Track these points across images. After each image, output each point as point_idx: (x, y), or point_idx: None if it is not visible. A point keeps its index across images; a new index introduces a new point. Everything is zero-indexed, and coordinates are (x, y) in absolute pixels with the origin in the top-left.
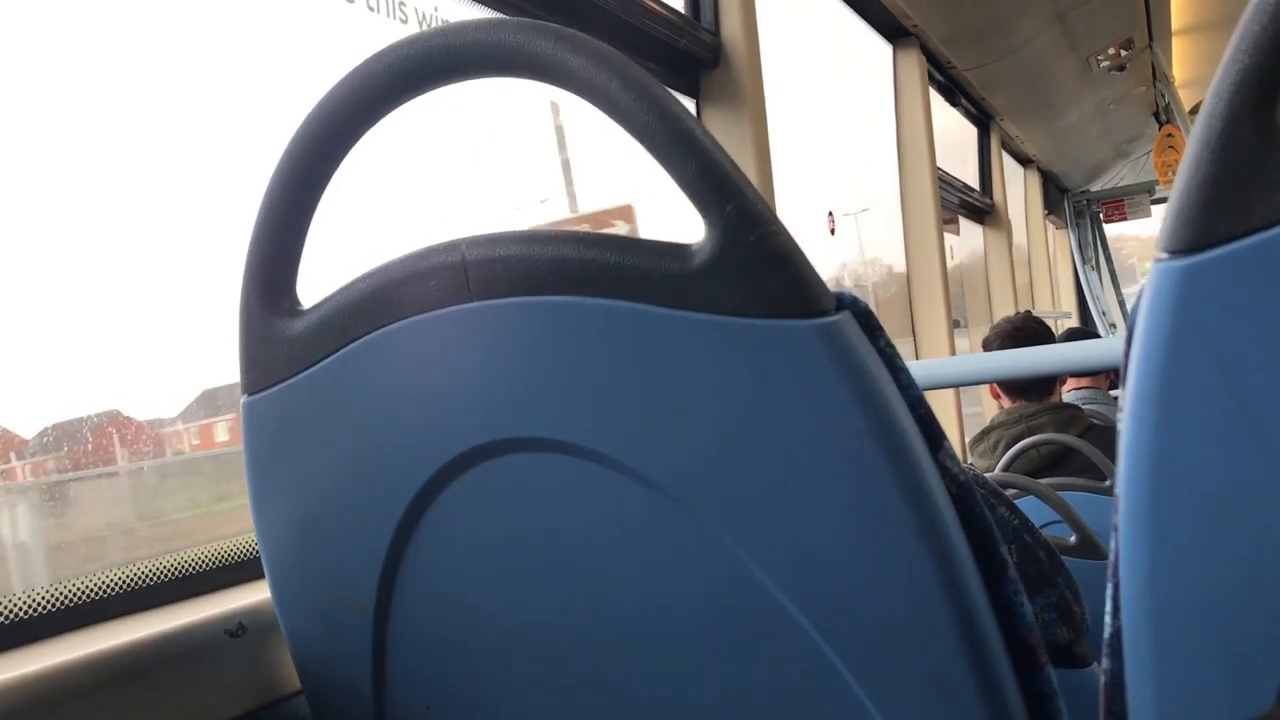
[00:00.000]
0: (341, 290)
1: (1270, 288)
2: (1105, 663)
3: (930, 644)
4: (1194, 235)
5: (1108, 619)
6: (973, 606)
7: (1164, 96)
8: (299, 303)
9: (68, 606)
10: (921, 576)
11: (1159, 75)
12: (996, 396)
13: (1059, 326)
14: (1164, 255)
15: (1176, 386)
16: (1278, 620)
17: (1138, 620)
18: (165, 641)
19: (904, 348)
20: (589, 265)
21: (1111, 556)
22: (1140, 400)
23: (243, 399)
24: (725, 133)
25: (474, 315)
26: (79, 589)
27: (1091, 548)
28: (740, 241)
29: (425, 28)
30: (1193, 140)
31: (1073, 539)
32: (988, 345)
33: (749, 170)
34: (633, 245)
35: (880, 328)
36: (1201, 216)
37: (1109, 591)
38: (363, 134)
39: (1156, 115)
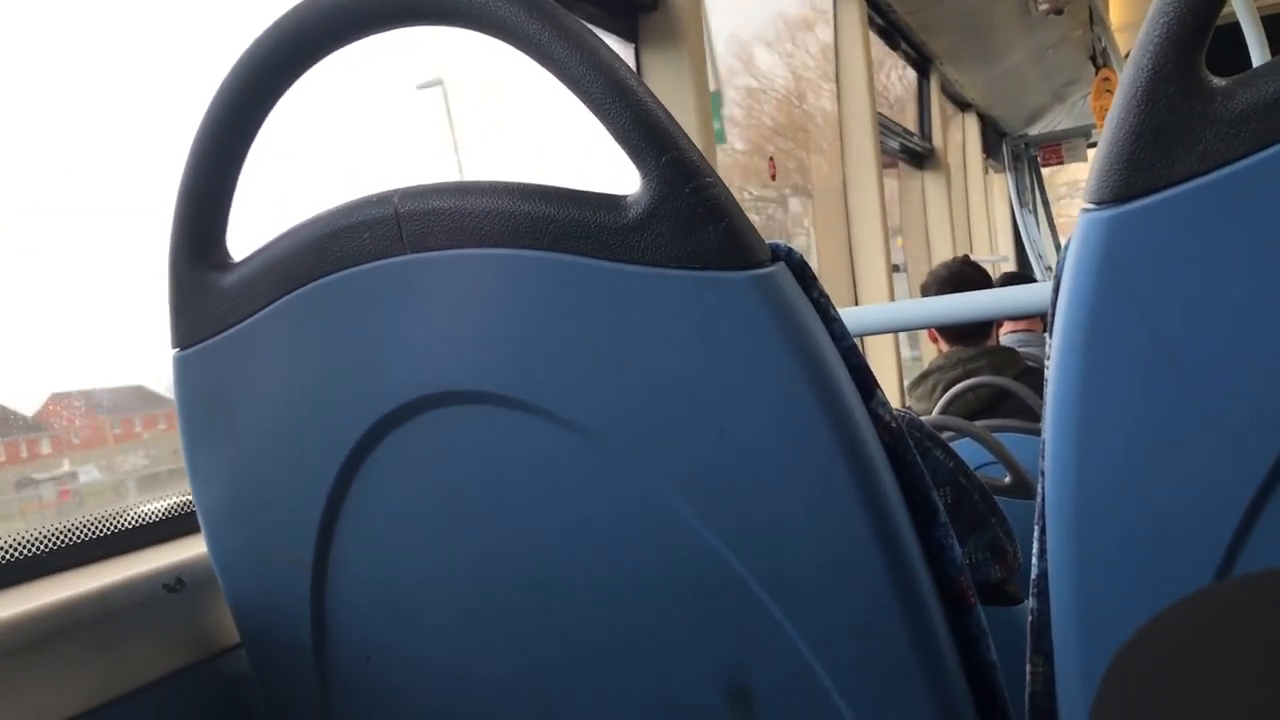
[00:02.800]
0: (273, 243)
1: (1191, 237)
2: (1032, 602)
3: (862, 587)
4: (1119, 186)
5: (1034, 560)
6: (904, 550)
7: (1101, 40)
8: (229, 255)
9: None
10: (854, 521)
11: (1096, 19)
12: (935, 340)
13: (996, 270)
14: (1090, 206)
15: (1100, 334)
16: (1196, 560)
17: (1062, 562)
18: (101, 597)
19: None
20: (523, 217)
21: (1038, 500)
22: (1066, 348)
23: (173, 353)
24: (664, 76)
25: (407, 268)
26: (8, 544)
27: (1025, 487)
28: (676, 193)
29: None
30: (1120, 92)
31: (1007, 479)
32: (925, 291)
33: (689, 113)
34: (568, 197)
35: (815, 279)
36: (1127, 168)
37: (1035, 534)
38: (293, 81)
39: (1093, 59)
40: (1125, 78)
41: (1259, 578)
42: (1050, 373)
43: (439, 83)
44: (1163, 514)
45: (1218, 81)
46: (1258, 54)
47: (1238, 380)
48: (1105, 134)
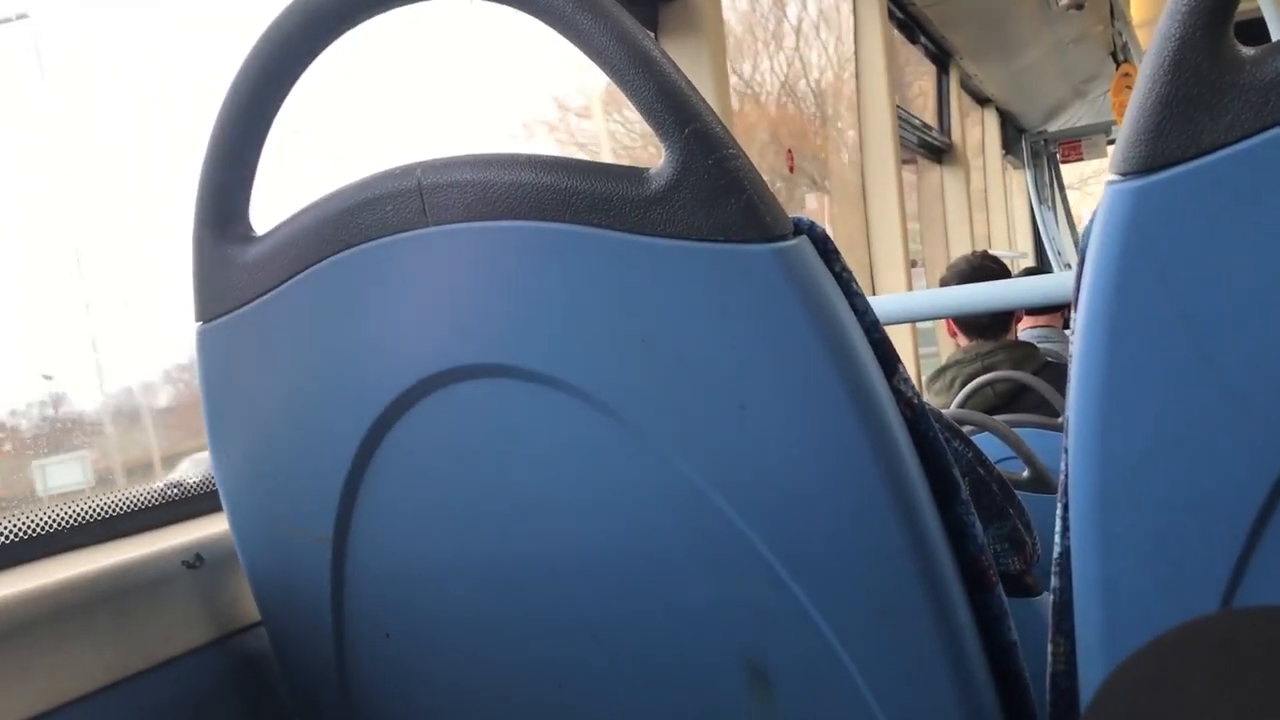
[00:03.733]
0: (295, 216)
1: (1217, 209)
2: (1054, 581)
3: (883, 564)
4: (1146, 157)
5: (1057, 539)
6: (925, 527)
7: (1121, 35)
8: (252, 229)
9: (23, 538)
10: (875, 498)
11: (1117, 14)
12: (953, 335)
13: (1015, 266)
14: (1116, 177)
15: (1126, 308)
16: (1220, 538)
17: (1085, 540)
18: (122, 573)
19: None
20: (546, 190)
21: (1061, 478)
22: (1091, 321)
23: (197, 326)
24: (682, 65)
25: (430, 240)
26: (33, 522)
27: (1043, 482)
28: (698, 165)
29: None
30: (1146, 62)
31: (1025, 473)
32: (945, 283)
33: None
34: (591, 169)
35: (837, 252)
36: (1154, 139)
37: (1058, 512)
38: (315, 57)
39: (1114, 55)
40: (1152, 47)
41: (1253, 615)
42: (1075, 348)
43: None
44: (1186, 492)
45: (1246, 51)
46: None
47: (1264, 355)
48: (1132, 105)
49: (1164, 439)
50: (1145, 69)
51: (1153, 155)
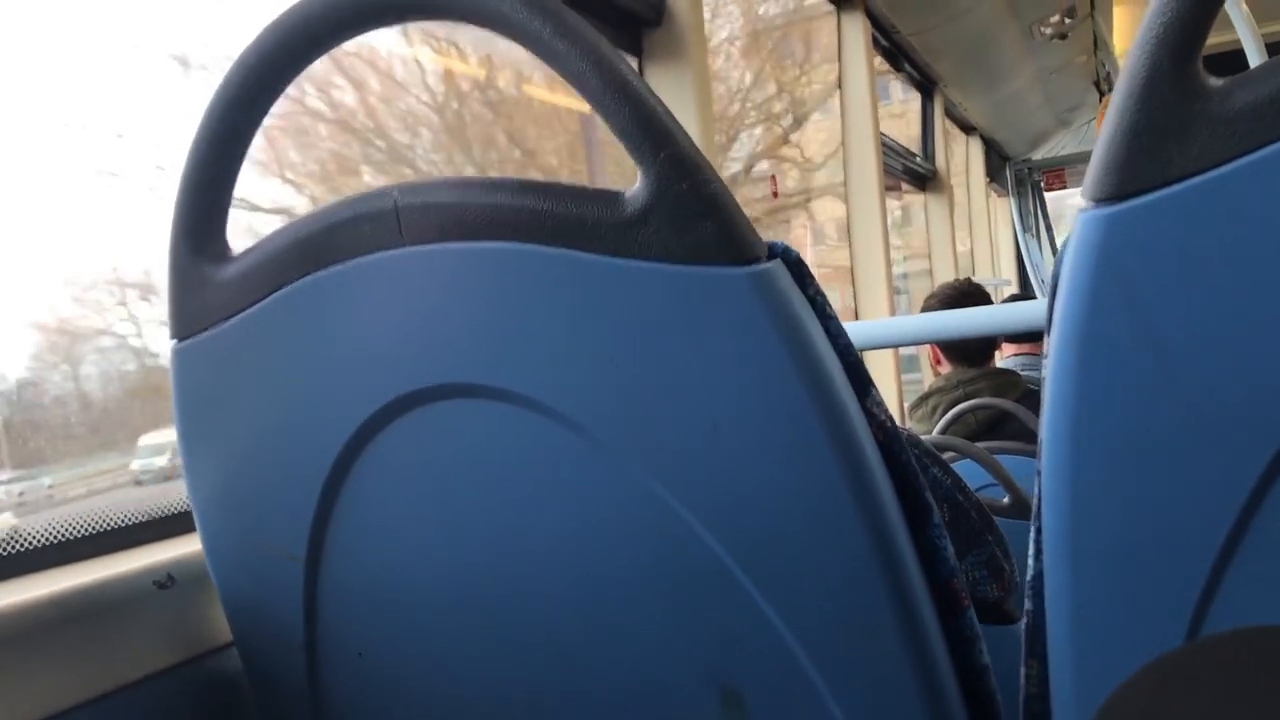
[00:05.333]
0: (272, 236)
1: (1186, 236)
2: (1027, 604)
3: (854, 586)
4: (1116, 184)
5: (1030, 561)
6: (896, 549)
7: (1105, 66)
8: (229, 248)
9: None
10: (847, 520)
11: (1100, 44)
12: (937, 362)
13: (999, 294)
14: (1088, 204)
15: (1095, 333)
16: (1188, 561)
17: (1057, 562)
18: (91, 593)
19: None
20: (522, 211)
21: (1034, 501)
22: (1062, 345)
23: (171, 345)
24: (667, 91)
25: (406, 261)
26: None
27: (1024, 508)
28: (673, 189)
29: None
30: (1117, 91)
31: (1006, 500)
32: (928, 309)
33: (691, 128)
34: (567, 192)
35: (811, 276)
36: (1124, 166)
37: (1031, 535)
38: (295, 75)
39: (1097, 84)
40: (1122, 77)
41: (1225, 640)
42: (1047, 371)
43: None
44: (1157, 514)
45: (1214, 81)
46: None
47: (1230, 382)
48: (1103, 133)
49: (1133, 462)
50: (1116, 98)
51: (1123, 183)
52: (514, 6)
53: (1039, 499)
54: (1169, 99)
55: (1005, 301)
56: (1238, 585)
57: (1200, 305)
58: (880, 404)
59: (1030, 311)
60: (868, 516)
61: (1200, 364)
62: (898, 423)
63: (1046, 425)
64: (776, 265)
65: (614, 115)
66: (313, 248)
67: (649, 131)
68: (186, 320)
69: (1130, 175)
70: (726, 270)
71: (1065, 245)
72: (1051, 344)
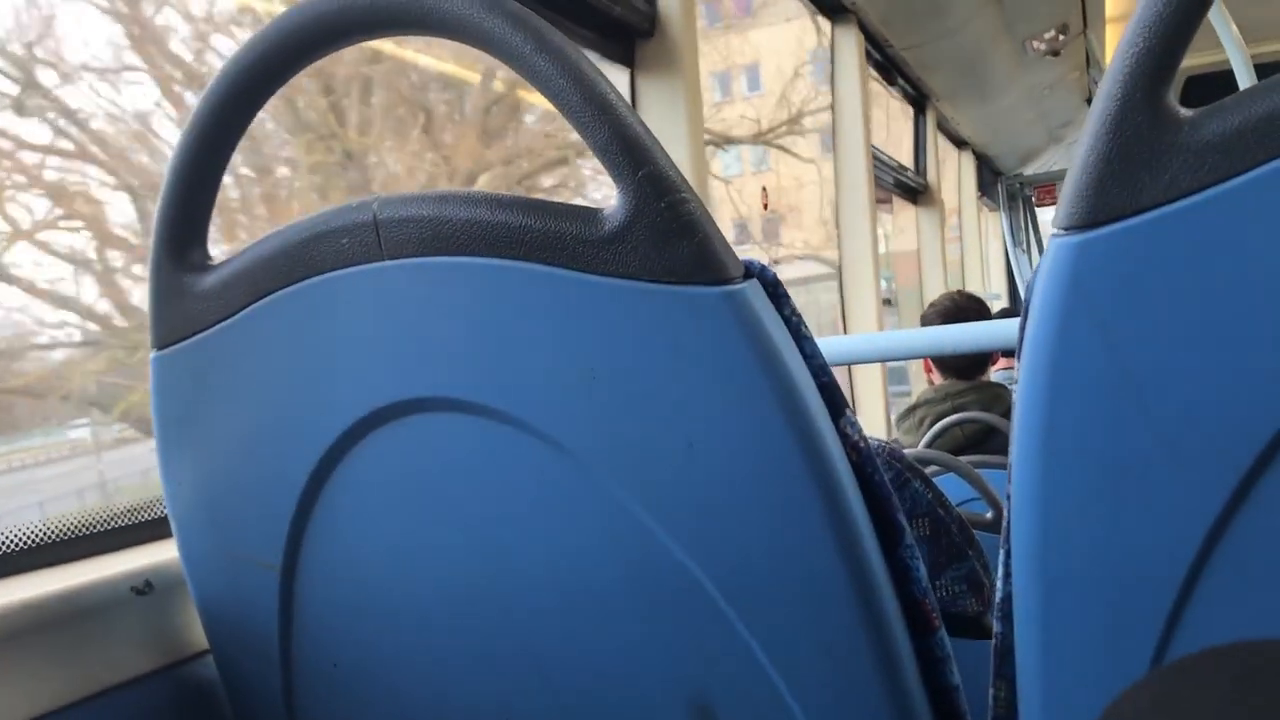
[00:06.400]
0: (252, 246)
1: (1156, 264)
2: (996, 626)
3: (826, 605)
4: (1088, 212)
5: (999, 584)
6: (868, 569)
7: (1096, 83)
8: (209, 257)
9: None
10: (819, 539)
11: (1092, 61)
12: (929, 372)
13: (992, 308)
14: (1060, 231)
15: (1065, 357)
16: (1154, 588)
17: (1026, 586)
18: (68, 598)
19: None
20: (501, 227)
21: (1004, 524)
22: (1032, 370)
23: (151, 354)
24: (659, 102)
25: (385, 274)
26: None
27: None
28: (651, 208)
29: None
30: (1090, 120)
31: (989, 514)
32: (926, 322)
33: (681, 140)
34: (545, 208)
35: (787, 296)
36: (1096, 194)
37: (1000, 558)
38: (276, 89)
39: (1089, 101)
40: (1095, 105)
41: (1192, 662)
42: (1017, 395)
43: None
44: (1124, 539)
45: (1185, 112)
46: None
47: (1198, 408)
48: (1075, 161)
49: (1102, 487)
50: (1089, 125)
51: (1095, 210)
52: (496, 24)
53: (1008, 521)
54: (1141, 128)
55: (999, 314)
56: (1202, 613)
57: (1170, 332)
58: (854, 424)
59: (999, 329)
60: (840, 536)
61: (1169, 390)
62: (884, 434)
63: (1016, 448)
64: (752, 285)
65: (593, 133)
66: (292, 260)
67: (628, 150)
68: (166, 329)
69: (1102, 203)
70: (702, 290)
71: (1037, 270)
72: (1022, 365)
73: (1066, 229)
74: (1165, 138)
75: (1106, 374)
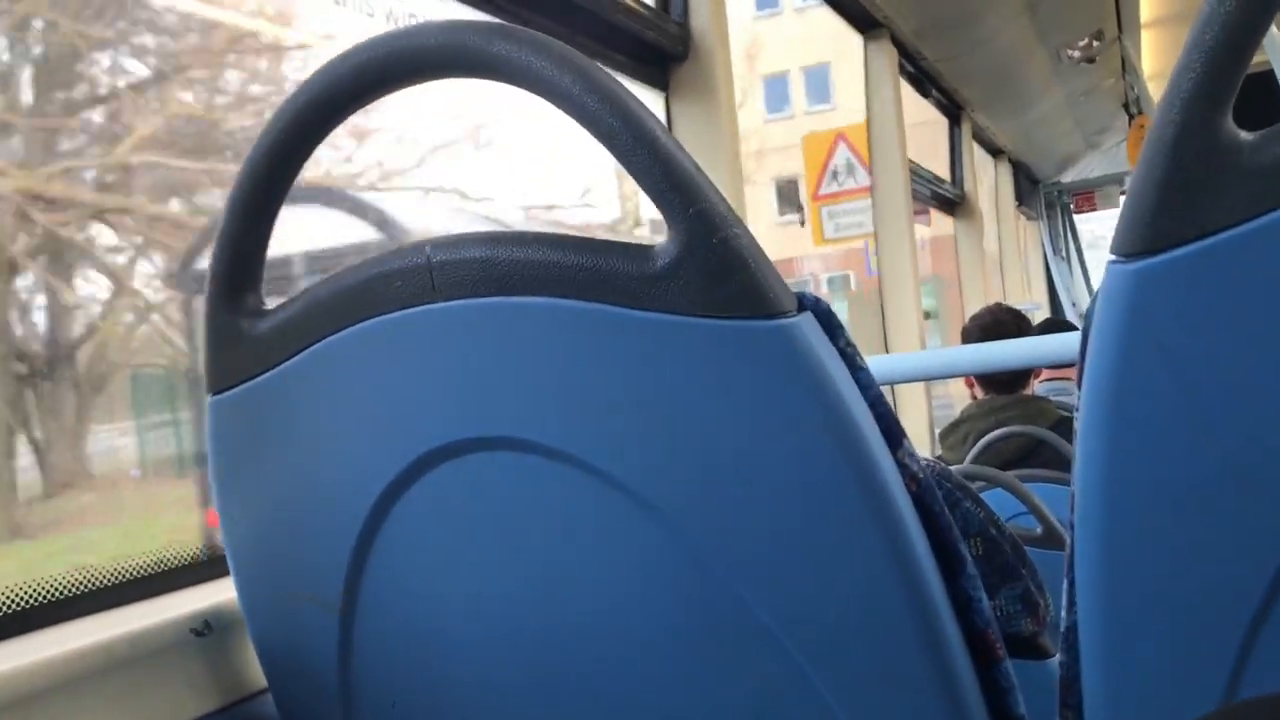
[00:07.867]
0: (306, 291)
1: (1219, 289)
2: (1061, 656)
3: (889, 639)
4: (1147, 239)
5: (1064, 613)
6: (930, 602)
7: (1133, 89)
8: (264, 302)
9: (27, 608)
10: (879, 572)
11: (1128, 67)
12: (971, 386)
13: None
14: (1118, 258)
15: (1129, 385)
16: (1225, 619)
17: (1092, 614)
18: (130, 641)
19: None
20: (553, 266)
21: (1067, 552)
22: (1094, 398)
23: (208, 398)
24: (694, 126)
25: (439, 316)
26: (37, 588)
27: (1057, 538)
28: (703, 244)
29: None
30: (1146, 145)
31: (1039, 530)
32: (967, 335)
33: (719, 164)
34: (596, 246)
35: (841, 327)
36: (1154, 220)
37: (1065, 587)
38: (326, 134)
39: (1126, 107)
40: (1152, 131)
41: (1265, 703)
42: (1079, 424)
43: None
44: (1193, 568)
45: (1245, 135)
46: None
47: (1266, 433)
48: (1132, 186)
49: (1168, 516)
50: (1145, 151)
51: (1154, 237)
52: (545, 66)
53: (1071, 551)
54: (1200, 153)
55: (1041, 325)
56: (1275, 642)
57: (1236, 358)
58: (913, 455)
59: (1063, 345)
60: (902, 571)
61: (1236, 416)
62: (928, 450)
63: (1079, 478)
64: (806, 318)
65: (645, 172)
66: (346, 303)
67: (679, 187)
68: (222, 374)
69: (1161, 229)
70: (755, 324)
71: (1095, 296)
72: (1084, 395)
73: (1125, 256)
74: (1225, 161)
75: (1172, 401)
